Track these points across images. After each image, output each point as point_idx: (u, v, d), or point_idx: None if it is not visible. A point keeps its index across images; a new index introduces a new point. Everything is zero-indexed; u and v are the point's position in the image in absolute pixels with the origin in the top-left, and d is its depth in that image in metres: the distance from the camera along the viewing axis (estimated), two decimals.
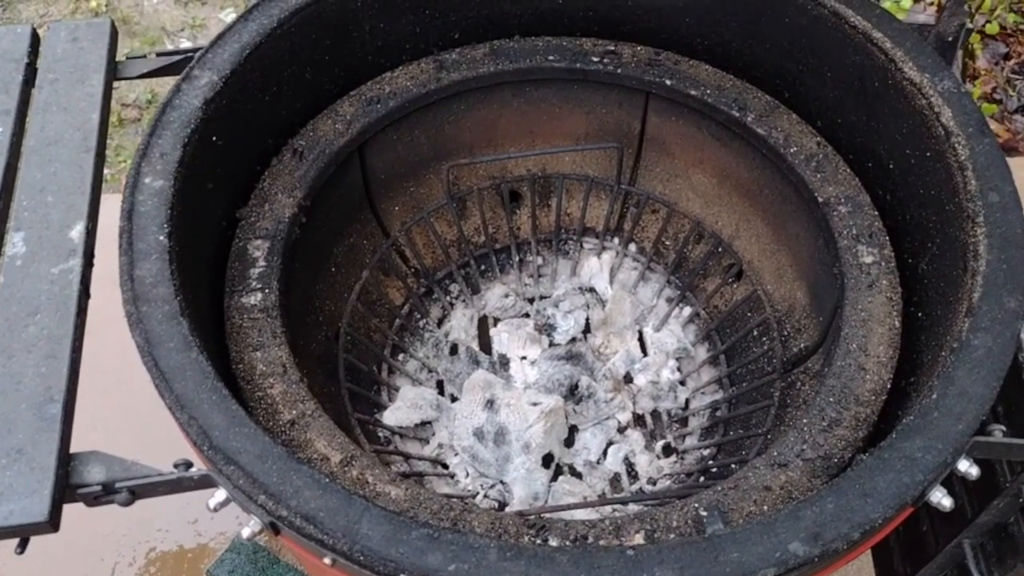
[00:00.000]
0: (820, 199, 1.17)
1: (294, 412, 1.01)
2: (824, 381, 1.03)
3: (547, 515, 1.15)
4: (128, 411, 1.49)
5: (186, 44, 3.22)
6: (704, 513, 0.92)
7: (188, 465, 0.86)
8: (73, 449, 0.85)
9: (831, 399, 1.02)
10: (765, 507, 0.94)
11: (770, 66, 1.29)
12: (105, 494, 0.84)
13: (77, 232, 0.97)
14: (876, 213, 1.16)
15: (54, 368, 0.88)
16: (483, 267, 1.50)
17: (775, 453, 0.98)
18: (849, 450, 0.98)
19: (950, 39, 1.20)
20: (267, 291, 1.10)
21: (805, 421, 1.00)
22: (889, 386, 1.03)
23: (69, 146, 1.03)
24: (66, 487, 0.83)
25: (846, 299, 1.09)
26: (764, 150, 1.25)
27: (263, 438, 0.85)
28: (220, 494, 0.85)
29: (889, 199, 1.18)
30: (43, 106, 1.07)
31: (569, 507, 1.12)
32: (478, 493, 1.29)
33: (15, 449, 0.82)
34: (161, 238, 0.98)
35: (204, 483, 0.86)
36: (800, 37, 1.23)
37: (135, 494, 0.85)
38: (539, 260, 1.51)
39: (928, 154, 1.09)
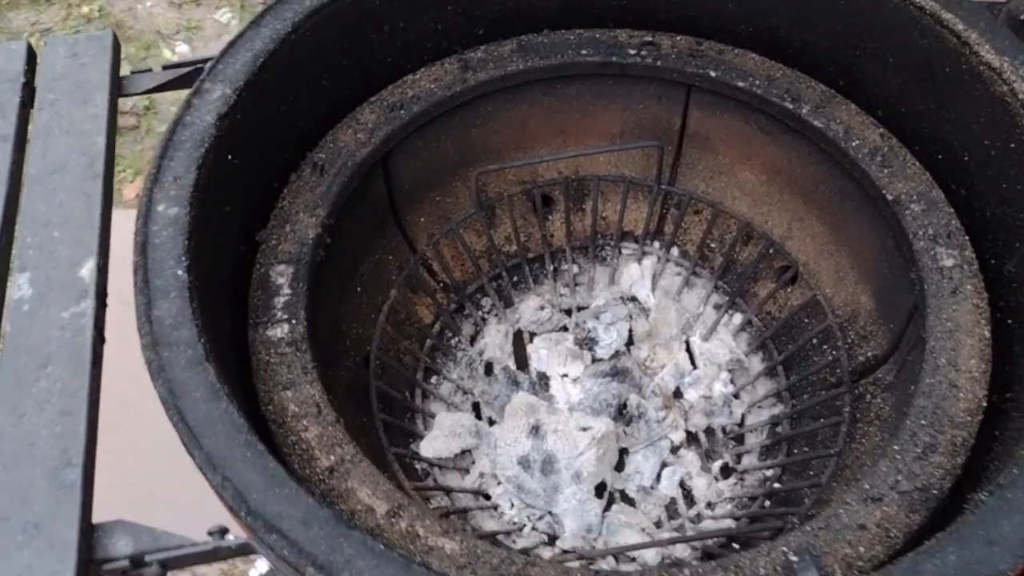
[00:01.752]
0: (890, 197, 1.08)
1: (332, 458, 0.92)
2: (913, 401, 0.94)
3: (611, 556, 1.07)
4: (152, 470, 1.39)
5: (183, 47, 3.12)
6: (794, 558, 0.83)
7: (224, 531, 0.77)
8: (95, 518, 0.77)
9: (923, 421, 0.92)
10: (861, 548, 0.85)
11: (823, 52, 1.20)
12: (133, 568, 0.76)
13: (88, 270, 0.88)
14: (952, 210, 1.06)
15: (70, 427, 0.79)
16: (515, 278, 1.40)
17: (867, 486, 0.89)
18: (948, 479, 0.89)
19: (1022, 18, 1.10)
20: (294, 322, 1.01)
21: (896, 448, 0.91)
22: (984, 404, 0.94)
23: (74, 173, 0.94)
24: (90, 562, 0.74)
25: (928, 307, 1.00)
26: (822, 144, 1.16)
27: (307, 499, 0.76)
28: (262, 564, 0.76)
29: (964, 194, 1.09)
30: (44, 130, 0.97)
31: (636, 547, 1.03)
32: (525, 525, 1.21)
33: (32, 524, 0.73)
34: (180, 272, 0.89)
35: (243, 551, 0.77)
36: (858, 20, 1.14)
37: (166, 566, 0.76)
38: (575, 268, 1.41)
39: (1012, 145, 0.99)
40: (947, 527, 0.86)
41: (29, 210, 0.91)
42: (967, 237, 1.04)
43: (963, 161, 1.08)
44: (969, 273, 1.02)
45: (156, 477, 1.36)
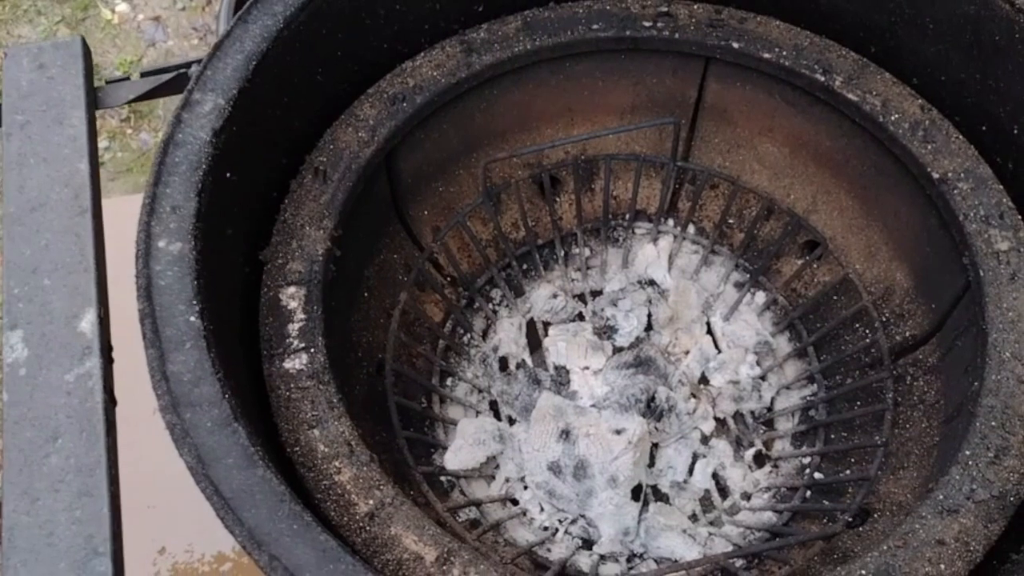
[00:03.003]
0: (935, 175, 1.02)
1: (371, 502, 0.85)
2: (980, 400, 0.90)
3: None
4: (183, 541, 1.30)
5: (122, 6, 2.94)
6: None
7: None
8: None
9: (992, 423, 0.88)
10: (942, 566, 0.81)
11: (853, 18, 1.12)
12: None
13: (88, 323, 0.78)
14: (1002, 188, 1.01)
15: (91, 509, 0.71)
16: (525, 266, 1.33)
17: (941, 497, 0.85)
18: None
19: None
20: (313, 351, 0.93)
21: (968, 452, 0.87)
22: None
23: (58, 209, 0.83)
24: None
25: (987, 296, 0.95)
26: (857, 118, 1.09)
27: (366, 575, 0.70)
28: None
29: (1012, 168, 1.03)
30: (17, 159, 0.86)
31: (691, 566, 0.97)
32: (557, 530, 1.16)
33: None
34: (192, 319, 0.80)
35: None
36: None
37: None
38: (586, 252, 1.34)
39: None
40: None
41: (13, 256, 0.81)
42: (1020, 217, 0.99)
43: (1012, 134, 1.02)
44: None
45: (185, 546, 1.28)
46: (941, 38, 1.05)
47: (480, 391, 1.26)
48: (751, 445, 1.22)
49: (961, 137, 1.04)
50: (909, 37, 1.08)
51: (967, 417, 0.90)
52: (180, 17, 2.88)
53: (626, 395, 1.20)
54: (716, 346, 1.28)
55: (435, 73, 1.11)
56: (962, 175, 1.01)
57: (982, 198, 1.00)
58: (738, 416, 1.24)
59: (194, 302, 0.80)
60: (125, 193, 2.50)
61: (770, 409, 1.24)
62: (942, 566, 0.81)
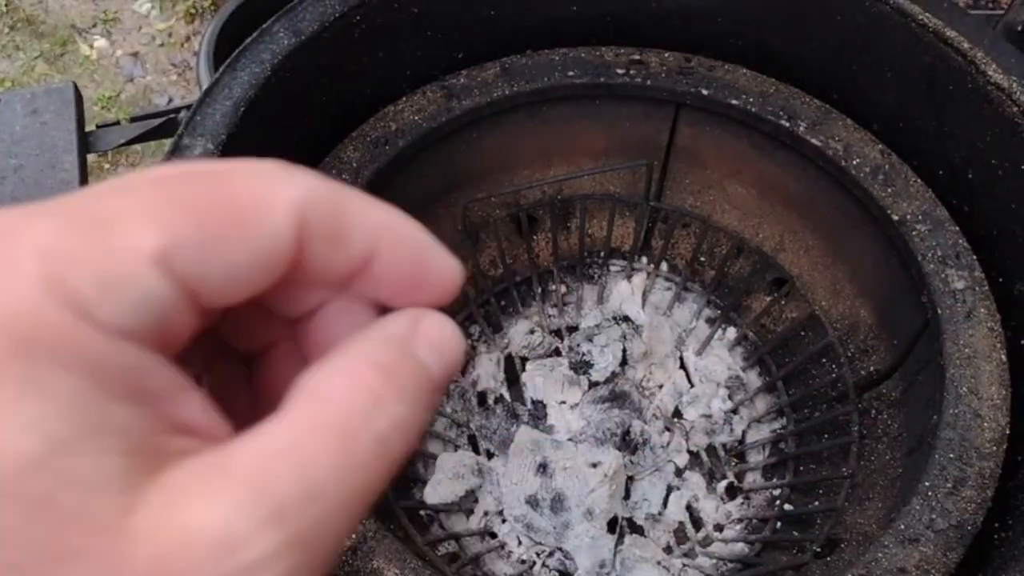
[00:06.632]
0: (895, 218, 1.07)
1: (353, 535, 0.87)
2: (939, 433, 0.94)
3: None
4: None
5: (100, 42, 2.97)
6: None
7: None
8: None
9: (951, 455, 0.92)
10: None
11: (816, 66, 1.17)
12: None
13: None
14: (957, 229, 1.06)
15: None
16: (503, 302, 1.36)
17: (902, 527, 0.88)
18: (980, 513, 0.89)
19: (1019, 28, 1.09)
20: None
21: (928, 484, 0.91)
22: (1008, 431, 0.94)
23: None
24: None
25: (944, 333, 0.99)
26: (821, 162, 1.14)
27: None
28: None
29: (967, 210, 1.08)
30: (11, 201, 0.89)
31: None
32: (535, 563, 1.18)
33: None
34: None
35: None
36: (854, 36, 1.11)
37: None
38: (563, 288, 1.38)
39: (1023, 166, 0.99)
40: (986, 566, 0.86)
41: None
42: (975, 257, 1.04)
43: (967, 178, 1.07)
44: (981, 295, 1.01)
45: None
46: (899, 86, 1.10)
47: (459, 425, 1.28)
48: (723, 477, 1.25)
49: (919, 181, 1.09)
50: (869, 85, 1.13)
51: (927, 449, 0.94)
52: (159, 53, 2.90)
53: (602, 429, 1.23)
54: (689, 380, 1.32)
55: (417, 117, 1.15)
56: (920, 217, 1.06)
57: (939, 239, 1.05)
58: (711, 449, 1.28)
59: None
60: None
61: (741, 442, 1.27)
62: None
